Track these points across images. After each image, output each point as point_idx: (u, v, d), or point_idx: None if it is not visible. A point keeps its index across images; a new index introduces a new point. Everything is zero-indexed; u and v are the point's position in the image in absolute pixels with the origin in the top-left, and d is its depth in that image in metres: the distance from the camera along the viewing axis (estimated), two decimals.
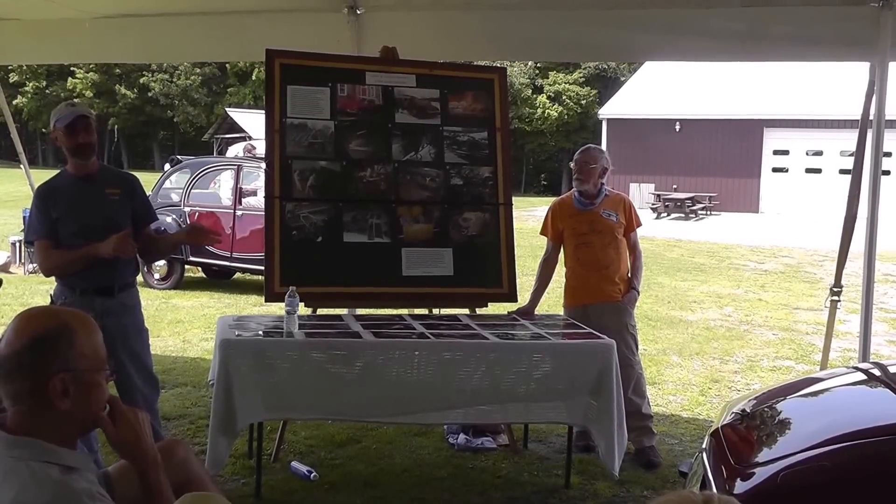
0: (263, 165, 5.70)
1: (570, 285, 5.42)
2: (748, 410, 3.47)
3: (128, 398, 4.19)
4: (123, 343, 4.29)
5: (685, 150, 28.93)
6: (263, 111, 5.43)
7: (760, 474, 2.85)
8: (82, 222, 4.22)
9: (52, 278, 4.44)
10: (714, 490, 2.90)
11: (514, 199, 5.67)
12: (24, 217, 13.26)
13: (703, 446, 3.42)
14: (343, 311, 5.37)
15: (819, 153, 28.20)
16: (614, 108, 31.82)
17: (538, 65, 43.32)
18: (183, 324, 9.27)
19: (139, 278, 4.80)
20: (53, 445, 2.04)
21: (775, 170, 28.92)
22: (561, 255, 5.51)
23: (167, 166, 14.77)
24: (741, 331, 9.81)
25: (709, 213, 27.46)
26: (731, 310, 11.24)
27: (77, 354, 2.06)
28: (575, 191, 5.46)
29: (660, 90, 30.36)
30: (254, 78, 46.81)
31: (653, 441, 5.27)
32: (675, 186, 28.50)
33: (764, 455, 3.07)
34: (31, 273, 13.05)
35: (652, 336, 9.09)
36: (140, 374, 4.38)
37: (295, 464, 4.95)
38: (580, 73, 44.48)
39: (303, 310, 4.72)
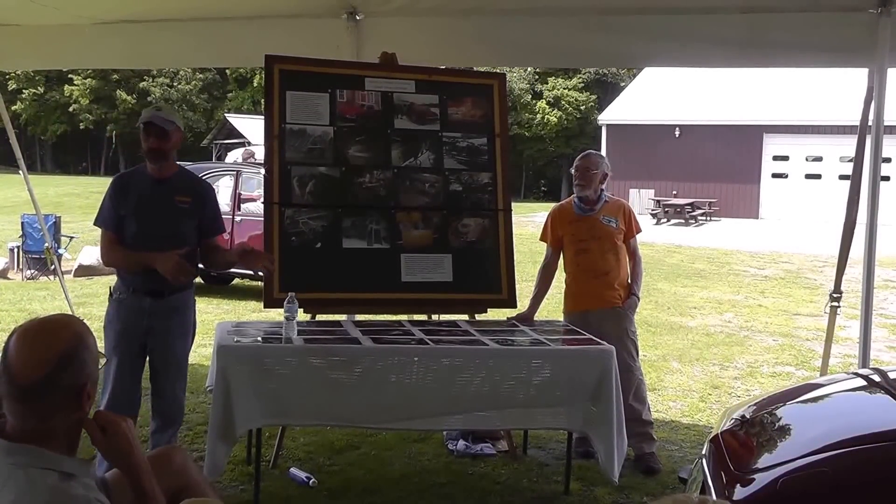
0: (262, 171, 5.69)
1: (570, 291, 5.42)
2: (748, 416, 3.47)
3: (159, 397, 4.47)
4: (165, 344, 4.44)
5: (685, 156, 28.92)
6: (262, 117, 5.43)
7: (760, 480, 2.85)
8: (145, 226, 4.33)
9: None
10: (714, 496, 2.89)
11: (513, 204, 5.67)
12: (22, 223, 13.27)
13: (703, 452, 3.41)
14: (342, 317, 5.36)
15: (819, 159, 28.20)
16: (614, 113, 31.82)
17: (537, 70, 43.33)
18: None
19: None
20: (55, 453, 2.05)
21: (775, 175, 28.92)
22: (561, 261, 5.51)
23: None
24: (741, 337, 9.80)
25: (708, 218, 27.45)
26: (731, 316, 11.24)
27: (92, 359, 2.11)
28: (575, 196, 5.46)
29: (659, 96, 30.38)
30: (255, 84, 46.84)
31: (653, 447, 5.26)
32: (674, 192, 28.50)
33: (763, 461, 3.07)
34: (28, 279, 13.05)
35: (652, 342, 9.08)
36: (175, 375, 4.51)
37: (294, 470, 4.94)
38: (579, 78, 44.51)
39: (302, 316, 4.72)
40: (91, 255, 12.99)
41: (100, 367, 2.18)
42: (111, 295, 4.46)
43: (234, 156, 20.18)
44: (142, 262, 4.27)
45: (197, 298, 4.75)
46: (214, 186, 13.08)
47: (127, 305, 4.35)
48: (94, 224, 4.54)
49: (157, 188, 4.38)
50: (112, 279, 4.63)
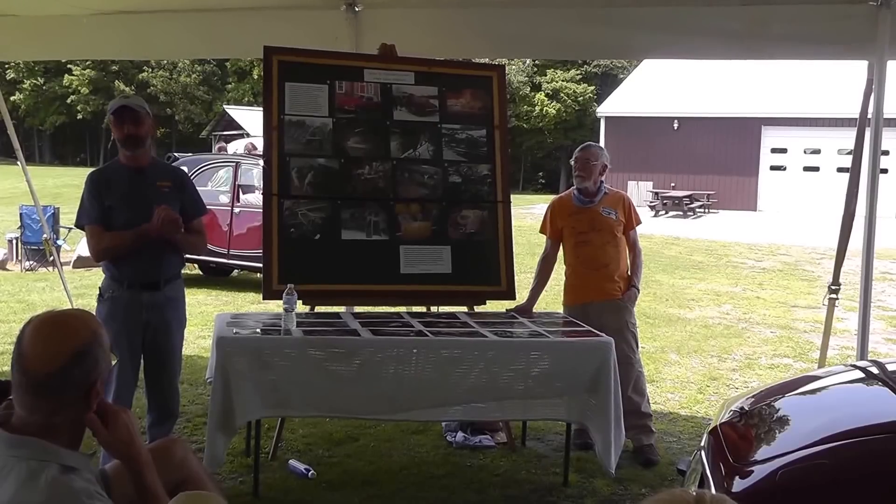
0: (261, 162, 5.69)
1: (569, 283, 5.42)
2: (746, 408, 3.47)
3: (159, 389, 4.48)
4: (166, 336, 4.43)
5: (683, 148, 28.92)
6: (262, 108, 5.43)
7: (759, 472, 2.85)
8: (133, 213, 4.28)
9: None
10: (713, 488, 2.90)
11: (512, 196, 5.66)
12: (20, 214, 13.25)
13: (702, 444, 3.42)
14: (341, 309, 5.36)
15: (817, 151, 28.21)
16: (613, 105, 31.81)
17: (536, 62, 43.27)
18: None
19: None
20: (57, 446, 2.05)
21: (773, 168, 28.93)
22: (560, 253, 5.51)
23: None
24: (739, 329, 9.81)
25: (707, 210, 27.47)
26: (729, 308, 11.25)
27: (105, 357, 2.11)
28: (574, 188, 5.46)
29: (658, 88, 30.35)
30: (255, 76, 46.74)
31: (651, 439, 5.27)
32: (673, 184, 28.49)
33: (762, 453, 3.06)
34: (27, 270, 13.04)
35: (650, 334, 9.09)
36: (175, 366, 4.54)
37: (293, 462, 4.94)
38: (578, 70, 44.44)
39: (301, 307, 4.72)
40: None
41: (112, 365, 2.19)
42: (101, 295, 4.39)
43: (234, 147, 20.13)
44: (135, 237, 4.22)
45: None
46: (213, 178, 13.21)
47: (123, 302, 4.30)
48: (77, 225, 4.48)
49: (136, 177, 4.35)
50: None
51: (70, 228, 13.62)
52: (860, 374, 3.77)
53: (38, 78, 50.02)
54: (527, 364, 4.40)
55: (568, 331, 4.90)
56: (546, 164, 47.26)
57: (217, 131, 39.36)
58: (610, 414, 4.42)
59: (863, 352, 5.27)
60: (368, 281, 5.15)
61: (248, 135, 27.94)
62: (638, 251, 5.46)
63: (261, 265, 5.16)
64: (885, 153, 19.28)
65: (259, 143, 13.03)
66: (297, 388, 4.24)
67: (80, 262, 13.01)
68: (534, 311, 5.31)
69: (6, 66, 44.55)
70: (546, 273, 5.53)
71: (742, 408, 3.48)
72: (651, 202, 26.74)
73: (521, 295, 5.48)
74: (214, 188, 12.45)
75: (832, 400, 3.68)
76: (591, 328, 4.82)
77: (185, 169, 12.83)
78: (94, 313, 4.24)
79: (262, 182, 6.31)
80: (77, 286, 10.51)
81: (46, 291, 11.12)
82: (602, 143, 24.16)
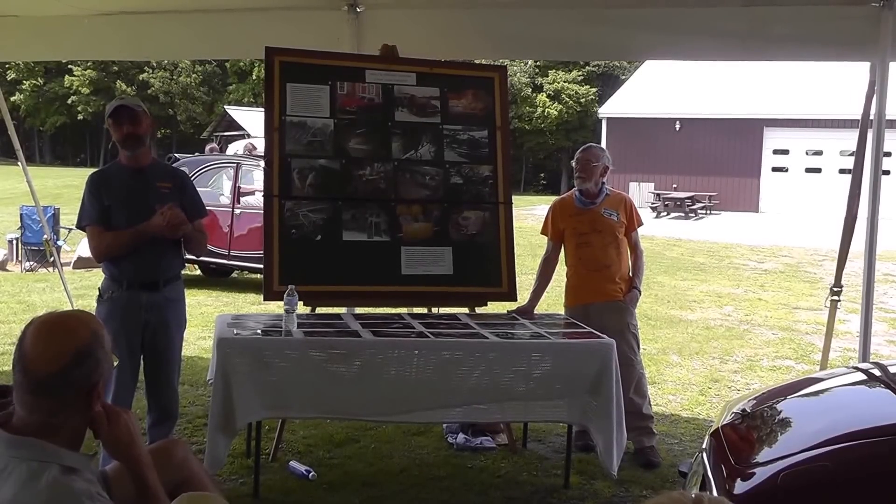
0: (262, 163, 5.69)
1: (570, 285, 5.41)
2: (748, 410, 3.46)
3: (158, 390, 4.47)
4: (165, 337, 4.42)
5: (685, 150, 28.90)
6: (262, 109, 5.42)
7: (761, 474, 2.85)
8: (133, 213, 4.29)
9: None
10: (714, 490, 2.90)
11: (513, 197, 5.66)
12: (21, 215, 13.25)
13: (703, 446, 3.41)
14: (342, 310, 5.36)
15: (819, 153, 28.19)
16: (614, 106, 31.80)
17: (538, 63, 43.28)
18: None
19: None
20: (58, 447, 2.04)
21: (775, 169, 28.91)
22: (561, 255, 5.50)
23: None
24: (741, 330, 9.80)
25: (709, 212, 27.45)
26: (730, 309, 11.23)
27: (106, 358, 2.12)
28: (576, 190, 5.45)
29: (660, 89, 30.34)
30: (254, 77, 46.76)
31: (653, 441, 5.26)
32: (674, 185, 28.48)
33: (764, 455, 3.06)
34: (27, 271, 13.04)
35: (652, 335, 9.08)
36: (173, 368, 4.53)
37: (293, 463, 4.94)
38: (580, 71, 44.43)
39: (302, 308, 4.71)
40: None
41: (114, 367, 2.19)
42: (100, 296, 4.39)
43: (234, 148, 20.16)
44: (136, 234, 4.23)
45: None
46: (214, 179, 13.22)
47: (122, 303, 4.30)
48: (78, 226, 4.50)
49: (136, 177, 4.35)
50: None
51: (70, 229, 13.65)
52: (862, 377, 3.77)
53: (39, 78, 50.03)
54: (528, 365, 4.39)
55: (569, 332, 4.89)
56: (547, 165, 47.28)
57: (218, 132, 39.36)
58: (611, 415, 4.41)
59: (865, 354, 5.26)
60: (369, 282, 5.15)
61: (248, 135, 27.93)
62: (639, 252, 5.45)
63: (261, 266, 5.15)
64: (888, 155, 19.21)
65: (260, 144, 13.03)
66: (298, 389, 4.24)
67: (81, 263, 13.01)
68: (535, 312, 5.30)
69: (6, 66, 44.53)
70: (547, 274, 5.52)
71: (744, 410, 3.47)
72: (653, 203, 26.73)
73: (523, 296, 5.47)
74: (215, 189, 12.46)
75: (834, 402, 3.67)
76: (592, 329, 4.82)
77: (185, 170, 12.87)
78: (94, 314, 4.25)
79: (262, 183, 6.31)
80: (77, 287, 10.51)
81: (47, 292, 11.12)
82: (603, 144, 24.16)
